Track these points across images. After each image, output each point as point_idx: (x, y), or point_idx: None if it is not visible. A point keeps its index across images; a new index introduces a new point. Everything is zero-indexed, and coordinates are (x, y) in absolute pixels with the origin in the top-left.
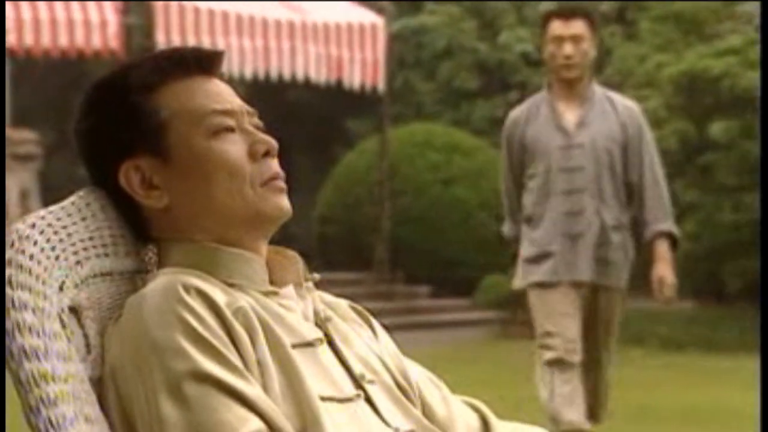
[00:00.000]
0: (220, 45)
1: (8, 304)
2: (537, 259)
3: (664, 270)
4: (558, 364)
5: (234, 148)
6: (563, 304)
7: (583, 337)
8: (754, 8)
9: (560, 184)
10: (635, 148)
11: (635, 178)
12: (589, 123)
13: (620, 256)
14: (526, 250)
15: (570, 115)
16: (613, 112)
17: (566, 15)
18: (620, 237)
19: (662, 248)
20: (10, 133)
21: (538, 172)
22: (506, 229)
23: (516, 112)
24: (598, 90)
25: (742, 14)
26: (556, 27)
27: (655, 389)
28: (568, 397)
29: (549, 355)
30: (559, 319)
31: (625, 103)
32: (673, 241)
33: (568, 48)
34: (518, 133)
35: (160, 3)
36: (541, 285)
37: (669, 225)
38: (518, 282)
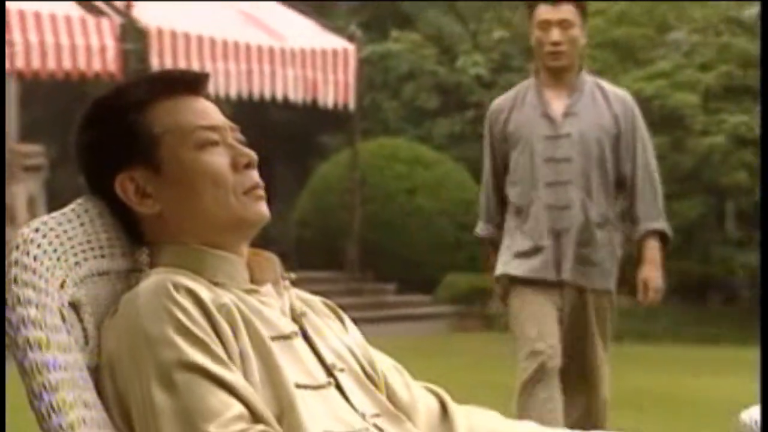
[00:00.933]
0: (208, 68)
1: (14, 300)
2: (529, 253)
3: (650, 272)
4: (541, 372)
5: (218, 160)
6: (546, 306)
7: (572, 346)
8: (682, 36)
9: (545, 175)
10: (628, 140)
11: (627, 171)
12: (577, 113)
13: (606, 255)
14: (518, 243)
15: (557, 104)
16: (604, 102)
17: None
18: (606, 234)
19: (652, 249)
20: (19, 146)
21: (522, 161)
22: (480, 228)
23: (500, 100)
24: (588, 79)
25: (672, 42)
26: (543, 11)
27: None
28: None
29: (533, 363)
30: (542, 322)
31: (617, 92)
32: (664, 239)
33: (555, 34)
34: (501, 121)
35: (154, 30)
36: (525, 283)
37: (661, 223)
38: (501, 269)
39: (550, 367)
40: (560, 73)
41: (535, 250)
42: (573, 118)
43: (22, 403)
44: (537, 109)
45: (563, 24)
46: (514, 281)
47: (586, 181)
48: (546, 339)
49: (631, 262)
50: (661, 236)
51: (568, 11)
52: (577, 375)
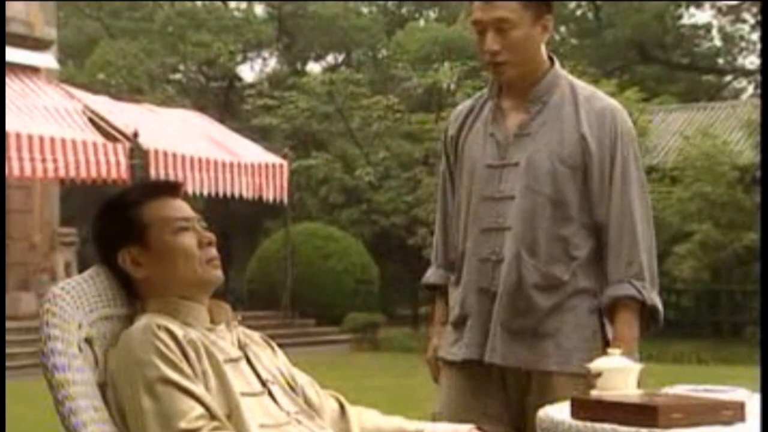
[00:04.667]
0: (188, 177)
1: (46, 336)
2: (458, 323)
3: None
4: None
5: (189, 240)
6: (470, 402)
7: None
8: None
9: (481, 218)
10: (602, 170)
11: (601, 218)
12: (531, 134)
13: (562, 325)
14: (451, 310)
15: (512, 121)
16: (572, 117)
17: None
18: (555, 300)
19: (622, 324)
20: (60, 229)
21: (461, 199)
22: (427, 275)
23: (459, 108)
24: (563, 83)
25: None
26: (475, 7)
27: None
28: None
29: None
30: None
31: (596, 102)
32: (645, 308)
33: (490, 40)
34: (453, 139)
35: (152, 151)
36: (456, 372)
37: (633, 288)
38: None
39: None
40: (511, 85)
41: (463, 320)
42: (525, 140)
43: (49, 407)
44: (487, 125)
45: (499, 24)
46: (446, 368)
47: (529, 229)
48: None
49: None
50: (642, 306)
51: (505, 6)
52: None
